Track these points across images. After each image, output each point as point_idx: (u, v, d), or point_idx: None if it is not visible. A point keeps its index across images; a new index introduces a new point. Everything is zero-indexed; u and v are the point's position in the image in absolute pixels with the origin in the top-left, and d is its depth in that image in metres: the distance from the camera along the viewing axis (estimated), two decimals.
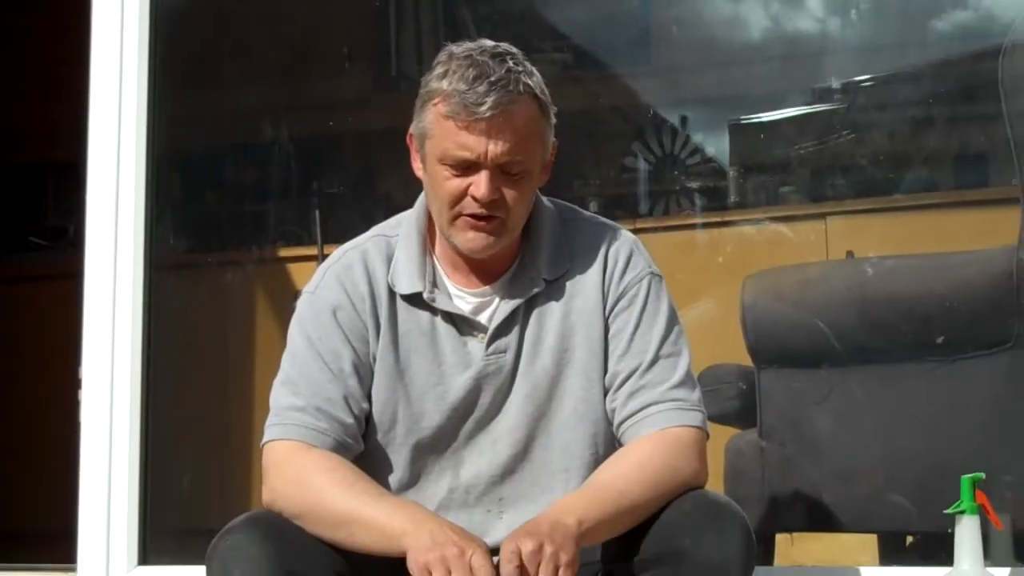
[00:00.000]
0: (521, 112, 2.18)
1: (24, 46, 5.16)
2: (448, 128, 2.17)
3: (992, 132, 3.35)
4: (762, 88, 4.52)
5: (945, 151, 4.05)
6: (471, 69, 2.16)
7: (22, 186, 5.68)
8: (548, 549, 1.97)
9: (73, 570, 3.22)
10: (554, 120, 2.29)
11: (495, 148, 2.16)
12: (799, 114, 4.38)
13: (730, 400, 3.29)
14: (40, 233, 5.44)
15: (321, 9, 4.56)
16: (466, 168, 2.19)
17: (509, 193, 2.20)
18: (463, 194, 2.19)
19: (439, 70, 2.21)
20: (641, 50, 4.74)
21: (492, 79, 2.14)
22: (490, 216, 2.20)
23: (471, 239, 2.22)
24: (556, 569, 1.97)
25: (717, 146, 4.81)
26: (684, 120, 4.79)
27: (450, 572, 1.95)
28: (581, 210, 2.45)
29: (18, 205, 5.64)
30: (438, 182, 2.22)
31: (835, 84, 4.25)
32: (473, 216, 2.20)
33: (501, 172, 2.18)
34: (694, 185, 4.72)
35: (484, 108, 2.13)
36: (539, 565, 1.96)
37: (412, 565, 1.99)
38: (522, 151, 2.19)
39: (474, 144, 2.16)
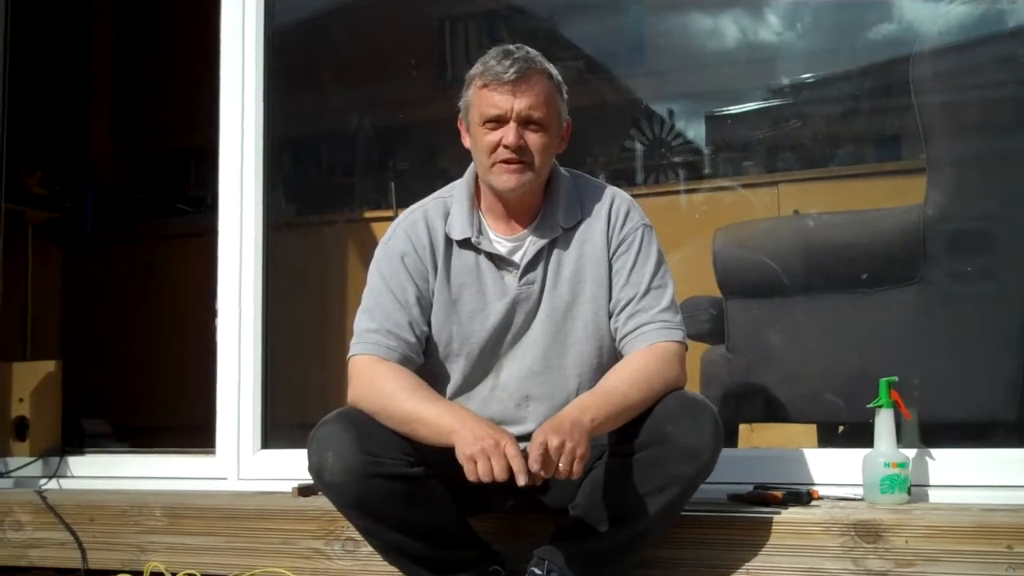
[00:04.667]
0: (537, 80, 2.20)
1: (176, 59, 5.15)
2: (484, 95, 2.21)
3: (905, 119, 3.28)
4: (730, 86, 4.48)
5: (869, 133, 4.02)
6: (500, 53, 2.22)
7: (172, 166, 5.72)
8: (568, 445, 1.98)
9: (212, 452, 3.24)
10: (566, 97, 2.29)
11: (518, 104, 2.18)
12: (758, 107, 4.34)
13: (704, 323, 3.28)
14: (185, 201, 5.46)
15: (394, 28, 4.54)
16: (498, 123, 2.20)
17: (532, 140, 2.21)
18: (497, 144, 2.21)
19: (478, 62, 2.25)
20: (637, 57, 4.71)
21: (515, 56, 2.19)
22: (519, 161, 2.20)
23: (505, 179, 2.22)
24: (573, 460, 1.98)
25: (695, 131, 4.80)
26: (670, 112, 4.79)
27: (490, 459, 1.96)
28: (590, 176, 2.43)
29: (169, 180, 5.69)
30: (479, 139, 2.24)
31: (785, 83, 4.21)
32: (505, 161, 2.21)
33: (524, 125, 2.20)
34: (677, 161, 4.71)
35: (508, 74, 2.17)
36: (561, 456, 1.97)
37: (460, 455, 2.00)
38: (539, 108, 2.20)
39: (502, 102, 2.19)
